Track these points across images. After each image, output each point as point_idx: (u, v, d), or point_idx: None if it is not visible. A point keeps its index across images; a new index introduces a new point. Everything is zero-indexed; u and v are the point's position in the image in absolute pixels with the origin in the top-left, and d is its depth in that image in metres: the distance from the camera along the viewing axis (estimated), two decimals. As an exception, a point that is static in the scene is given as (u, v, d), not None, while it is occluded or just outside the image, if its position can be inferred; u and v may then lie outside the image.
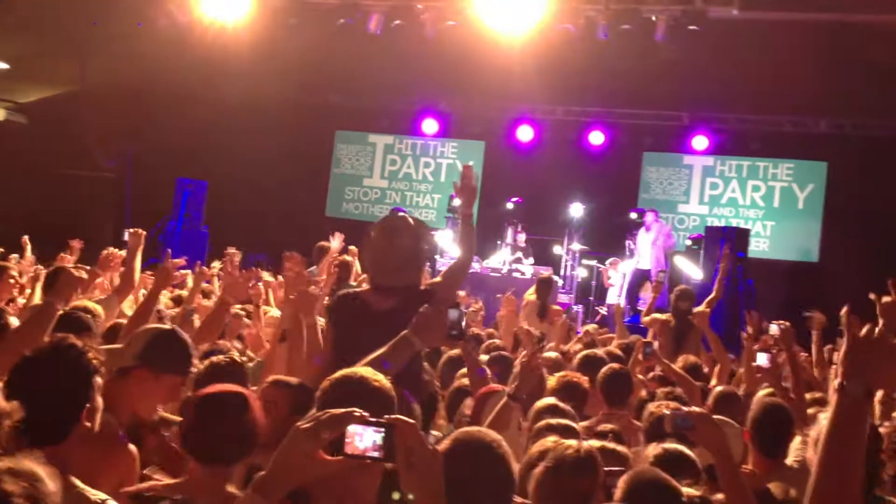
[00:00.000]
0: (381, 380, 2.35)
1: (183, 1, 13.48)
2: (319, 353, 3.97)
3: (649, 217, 14.83)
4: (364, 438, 1.93)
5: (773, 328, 6.36)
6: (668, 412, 3.49)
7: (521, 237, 15.09)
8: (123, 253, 6.42)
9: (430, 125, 18.29)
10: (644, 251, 14.50)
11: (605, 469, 3.00)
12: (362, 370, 2.41)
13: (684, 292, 8.87)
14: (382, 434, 1.93)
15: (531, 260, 14.77)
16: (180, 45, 16.01)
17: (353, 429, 1.93)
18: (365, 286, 4.34)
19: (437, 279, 4.36)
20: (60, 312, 3.76)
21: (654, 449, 3.49)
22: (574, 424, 3.83)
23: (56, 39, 16.64)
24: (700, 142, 16.92)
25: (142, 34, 14.32)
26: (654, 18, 12.17)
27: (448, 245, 15.10)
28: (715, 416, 3.50)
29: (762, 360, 5.61)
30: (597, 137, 17.18)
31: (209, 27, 13.66)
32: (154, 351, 3.44)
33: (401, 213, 4.59)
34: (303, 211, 17.99)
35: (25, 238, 9.64)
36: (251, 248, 16.12)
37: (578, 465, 2.89)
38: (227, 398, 2.82)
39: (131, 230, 5.96)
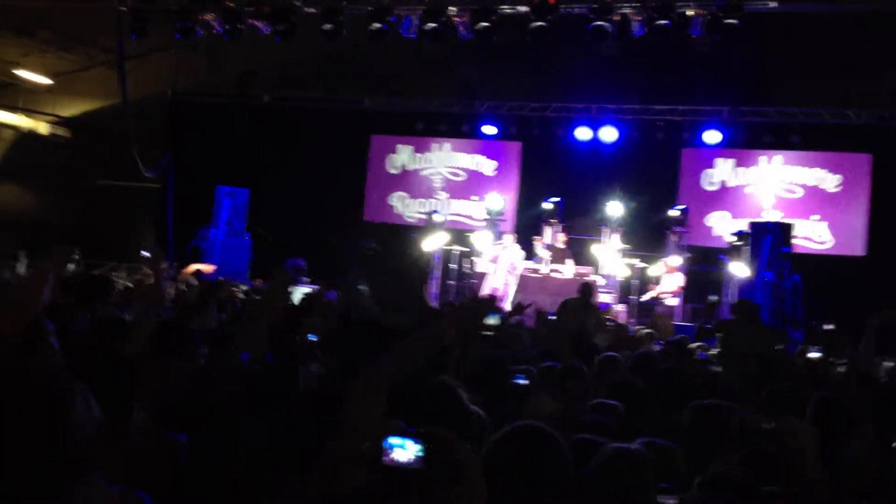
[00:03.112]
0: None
1: (219, 11, 13.58)
2: None
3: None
4: (403, 451, 1.90)
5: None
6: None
7: (561, 237, 15.03)
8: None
9: (467, 127, 18.27)
10: None
11: None
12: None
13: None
14: (422, 446, 1.91)
15: (572, 262, 14.69)
16: (218, 55, 16.23)
17: (392, 440, 1.91)
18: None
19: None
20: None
21: None
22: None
23: (96, 54, 16.93)
24: (740, 136, 16.70)
25: (180, 45, 14.47)
26: (689, 13, 12.05)
27: (486, 246, 15.08)
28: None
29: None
30: (634, 135, 17.02)
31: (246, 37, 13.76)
32: None
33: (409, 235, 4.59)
34: (340, 216, 18.07)
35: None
36: (290, 254, 16.28)
37: None
38: None
39: (149, 249, 6.03)
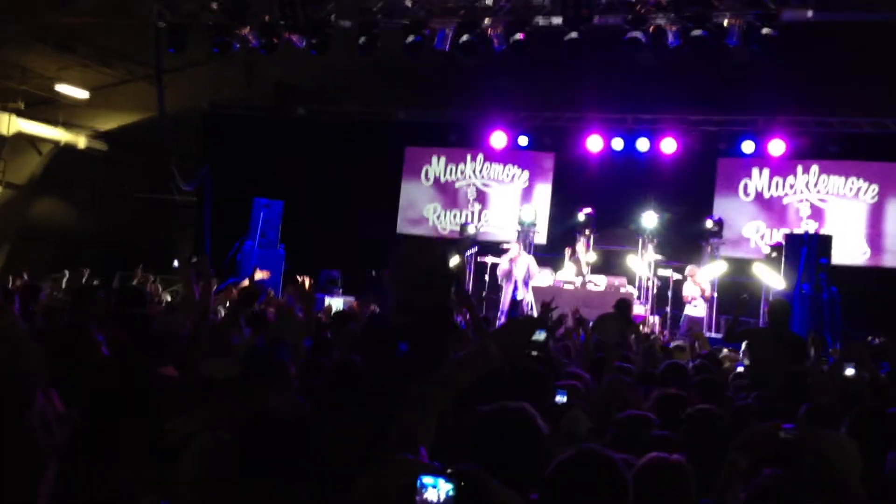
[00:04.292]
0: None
1: (255, 26, 13.73)
2: None
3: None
4: (435, 491, 1.88)
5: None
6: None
7: (581, 248, 14.92)
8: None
9: (499, 138, 18.29)
10: None
11: None
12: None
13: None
14: (453, 486, 1.88)
15: (593, 257, 14.72)
16: (254, 69, 16.40)
17: (425, 479, 1.89)
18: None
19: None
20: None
21: None
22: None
23: (134, 68, 17.18)
24: (776, 146, 16.55)
25: (217, 59, 14.64)
26: (725, 23, 11.99)
27: (515, 259, 15.05)
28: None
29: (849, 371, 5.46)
30: (669, 145, 16.94)
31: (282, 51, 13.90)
32: None
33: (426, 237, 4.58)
34: (374, 228, 18.16)
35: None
36: (325, 265, 16.40)
37: None
38: None
39: (180, 260, 6.14)
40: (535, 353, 3.32)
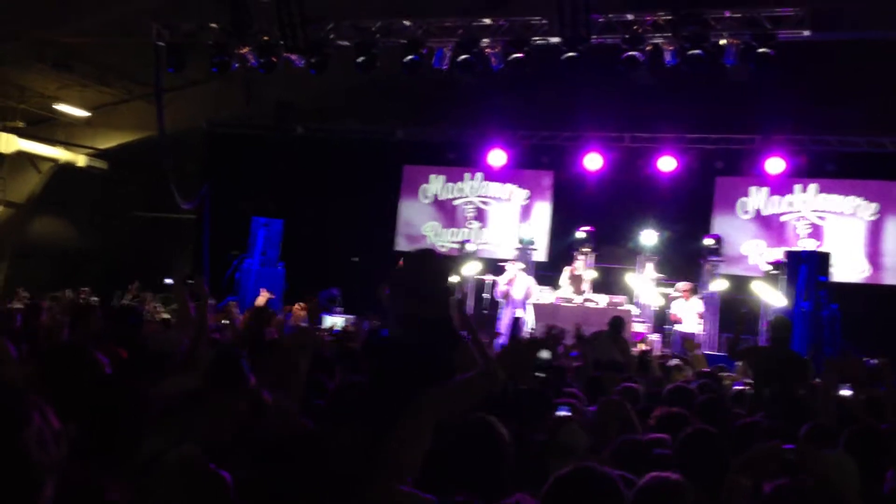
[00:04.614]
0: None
1: (254, 45, 13.79)
2: None
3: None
4: None
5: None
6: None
7: (580, 265, 14.90)
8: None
9: (497, 157, 18.32)
10: None
11: None
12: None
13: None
14: None
15: (593, 274, 14.70)
16: (253, 88, 16.46)
17: None
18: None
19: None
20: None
21: None
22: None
23: (134, 87, 17.24)
24: (774, 164, 16.57)
25: (216, 78, 14.70)
26: (722, 43, 12.05)
27: (519, 287, 15.03)
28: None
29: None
30: (667, 163, 16.96)
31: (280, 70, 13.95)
32: None
33: (427, 247, 4.57)
34: (373, 246, 18.17)
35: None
36: (324, 284, 16.38)
37: None
38: None
39: (174, 278, 6.14)
40: (540, 373, 3.31)
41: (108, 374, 3.39)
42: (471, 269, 16.17)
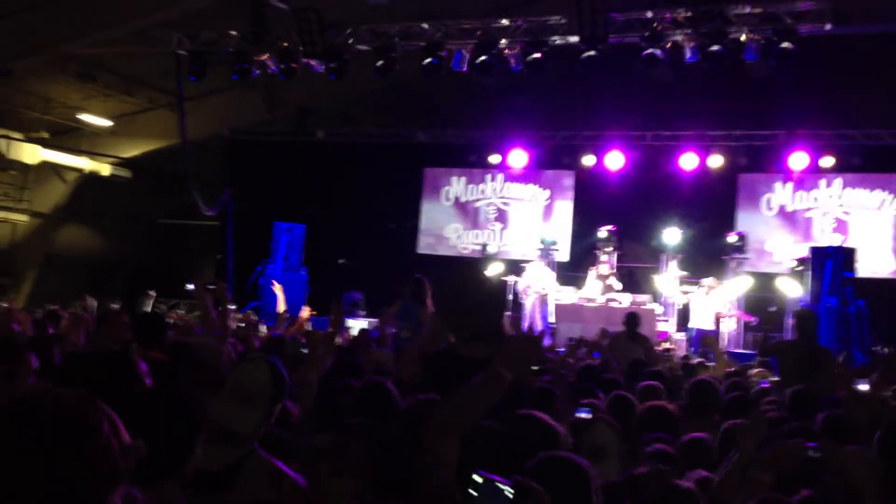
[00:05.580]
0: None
1: (274, 52, 13.86)
2: None
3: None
4: (498, 490, 1.86)
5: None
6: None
7: (604, 266, 14.85)
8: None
9: (518, 157, 18.31)
10: None
11: None
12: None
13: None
14: (513, 495, 1.86)
15: (619, 286, 14.60)
16: (274, 94, 16.56)
17: (481, 481, 1.86)
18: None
19: None
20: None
21: None
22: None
23: (156, 96, 17.39)
24: (797, 160, 16.43)
25: (238, 85, 14.79)
26: (742, 38, 11.96)
27: (536, 279, 15.01)
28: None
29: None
30: (689, 161, 16.86)
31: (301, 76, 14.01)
32: None
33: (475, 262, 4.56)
34: (395, 249, 18.20)
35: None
36: (347, 287, 16.44)
37: None
38: None
39: (195, 283, 6.14)
40: (536, 366, 3.33)
41: (160, 385, 3.39)
42: (493, 271, 16.17)
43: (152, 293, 15.52)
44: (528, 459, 2.55)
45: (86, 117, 18.19)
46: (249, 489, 3.03)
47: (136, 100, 17.80)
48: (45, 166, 18.89)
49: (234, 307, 10.16)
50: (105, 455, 1.67)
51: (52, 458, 1.68)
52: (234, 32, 14.14)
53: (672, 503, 2.98)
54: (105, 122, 18.46)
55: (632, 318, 9.70)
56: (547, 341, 12.57)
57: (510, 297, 15.92)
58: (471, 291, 3.85)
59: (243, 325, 9.60)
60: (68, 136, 19.09)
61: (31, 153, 18.30)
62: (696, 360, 10.12)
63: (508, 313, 15.41)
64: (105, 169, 19.81)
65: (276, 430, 3.54)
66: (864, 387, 5.30)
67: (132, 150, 19.70)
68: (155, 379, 3.45)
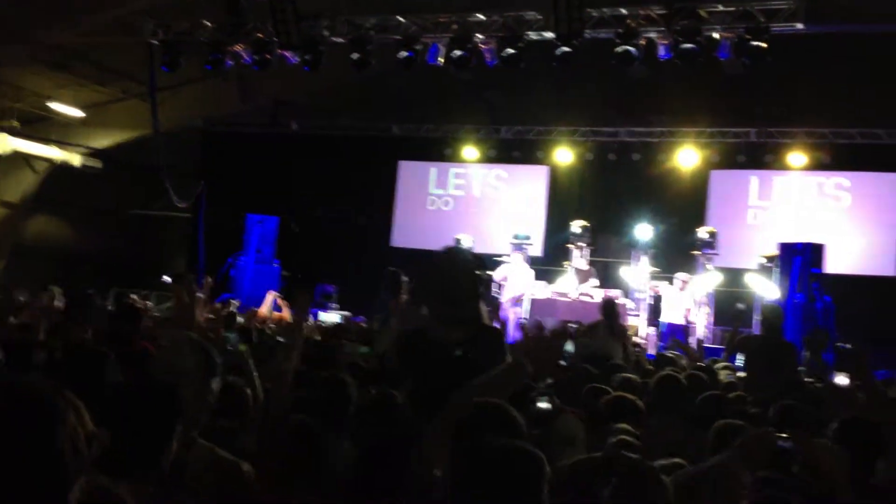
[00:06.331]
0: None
1: (249, 42, 13.80)
2: None
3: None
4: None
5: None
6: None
7: (583, 262, 14.98)
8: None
9: (491, 151, 18.38)
10: None
11: None
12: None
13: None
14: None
15: (596, 282, 14.66)
16: (248, 85, 16.46)
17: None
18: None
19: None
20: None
21: None
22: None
23: (130, 86, 17.22)
24: (770, 157, 16.63)
25: (212, 76, 14.70)
26: (716, 36, 12.07)
27: (512, 272, 15.08)
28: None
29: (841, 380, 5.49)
30: (662, 157, 17.01)
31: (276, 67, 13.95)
32: None
33: (457, 246, 4.59)
34: (369, 242, 18.19)
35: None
36: (320, 280, 16.42)
37: None
38: None
39: (170, 277, 6.19)
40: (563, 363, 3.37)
41: (131, 373, 3.39)
42: (467, 242, 16.20)
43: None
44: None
45: (57, 106, 17.97)
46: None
47: (108, 90, 17.62)
48: (15, 156, 18.65)
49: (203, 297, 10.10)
50: (70, 441, 1.71)
51: (19, 441, 1.71)
52: (208, 23, 14.05)
53: (641, 481, 3.01)
54: (77, 112, 18.25)
55: (610, 307, 9.38)
56: (517, 335, 12.63)
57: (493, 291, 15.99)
58: (455, 276, 3.86)
59: (213, 317, 9.53)
60: (39, 126, 18.85)
61: (1, 143, 18.06)
62: (669, 354, 10.21)
63: (489, 308, 15.49)
64: (76, 159, 19.59)
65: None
66: (843, 381, 5.40)
67: (104, 141, 19.50)
68: (130, 372, 3.46)
